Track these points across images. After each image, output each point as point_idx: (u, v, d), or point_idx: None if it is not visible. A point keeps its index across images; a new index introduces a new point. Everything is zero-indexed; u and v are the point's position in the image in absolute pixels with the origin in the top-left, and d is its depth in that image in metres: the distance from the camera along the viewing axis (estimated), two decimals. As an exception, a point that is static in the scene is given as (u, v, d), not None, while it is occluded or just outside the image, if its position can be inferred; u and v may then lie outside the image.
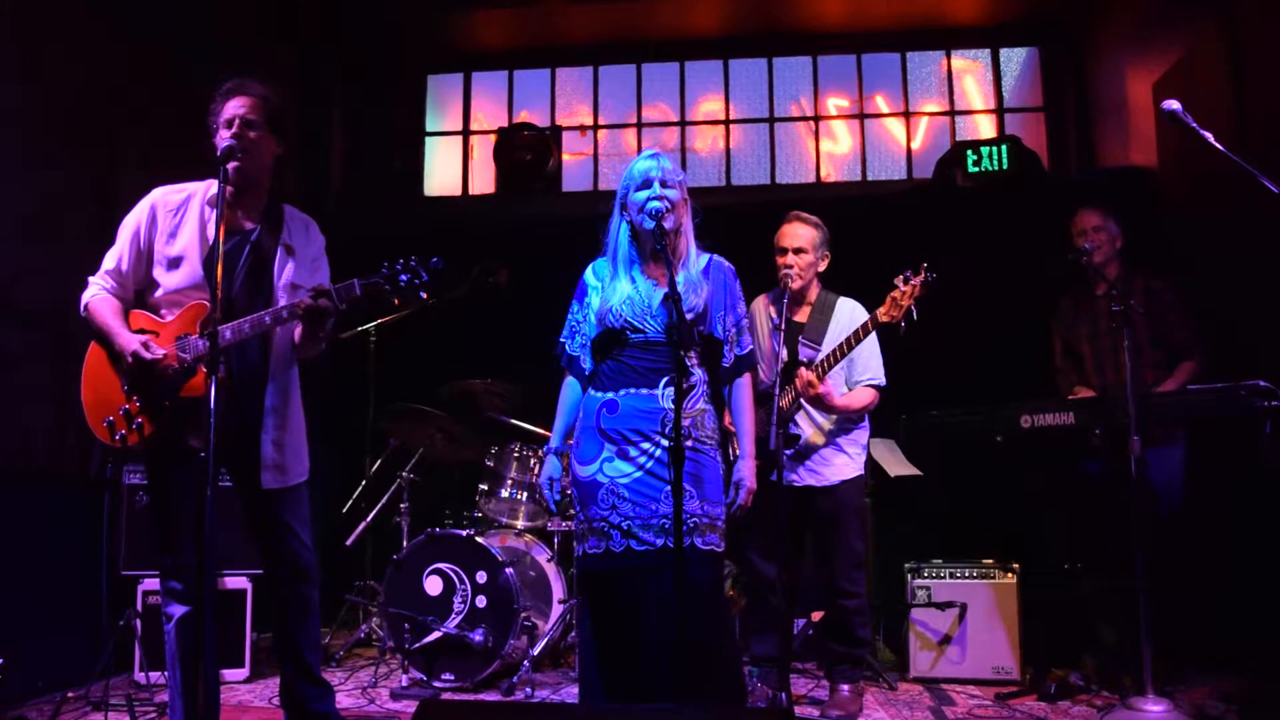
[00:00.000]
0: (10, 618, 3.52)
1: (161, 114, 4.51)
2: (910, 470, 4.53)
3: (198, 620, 2.75)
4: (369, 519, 4.73)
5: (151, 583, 3.89)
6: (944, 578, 4.22)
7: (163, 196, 2.93)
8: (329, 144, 6.29)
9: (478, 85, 6.90)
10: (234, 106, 2.85)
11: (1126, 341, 3.36)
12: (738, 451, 2.91)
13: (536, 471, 4.47)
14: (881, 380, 3.66)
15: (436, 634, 3.95)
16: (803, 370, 3.51)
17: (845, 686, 3.62)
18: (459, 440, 4.63)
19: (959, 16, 6.37)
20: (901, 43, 6.52)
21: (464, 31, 6.64)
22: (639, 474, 2.76)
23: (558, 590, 4.28)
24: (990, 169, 5.55)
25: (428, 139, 6.86)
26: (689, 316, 2.79)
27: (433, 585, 4.05)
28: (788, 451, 3.59)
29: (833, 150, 6.57)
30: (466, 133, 6.87)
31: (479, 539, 4.06)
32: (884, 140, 6.56)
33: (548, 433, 4.52)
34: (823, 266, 3.73)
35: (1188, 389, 3.64)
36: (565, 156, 6.63)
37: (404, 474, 4.64)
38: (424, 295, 2.75)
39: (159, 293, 2.87)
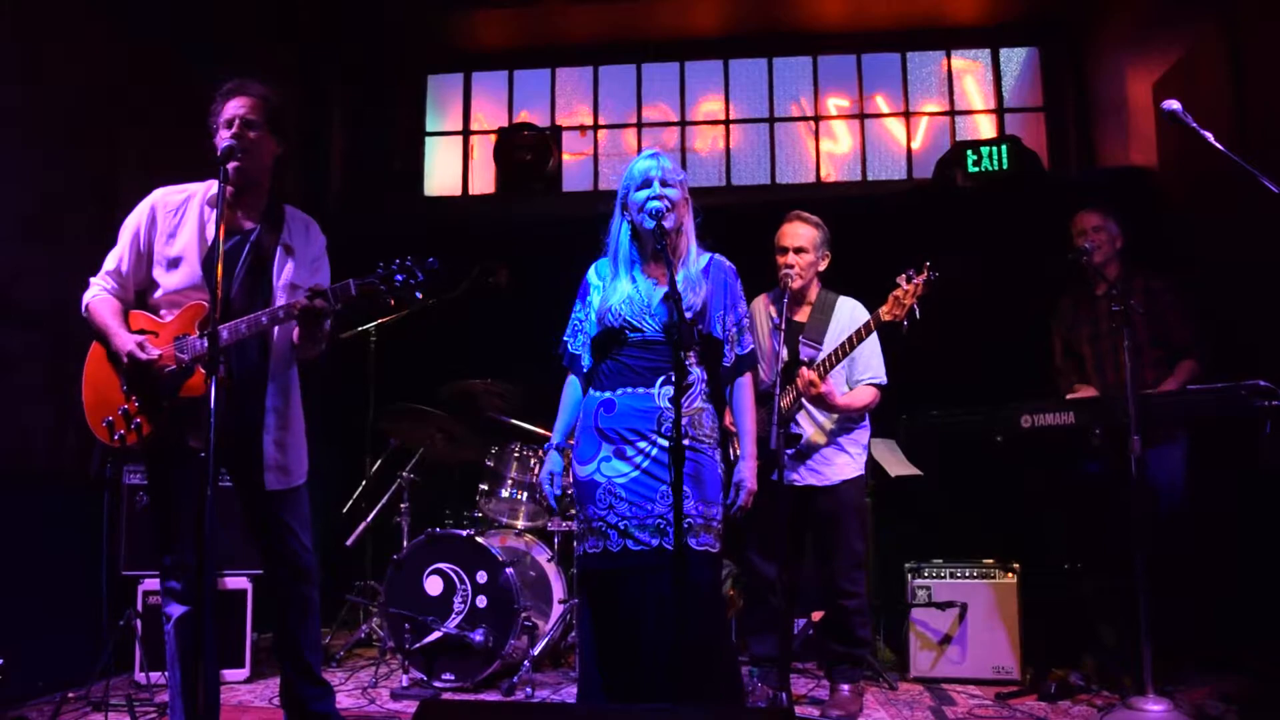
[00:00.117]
0: (10, 618, 3.52)
1: (161, 114, 4.51)
2: (910, 470, 4.53)
3: (198, 620, 2.75)
4: (369, 519, 4.73)
5: (152, 583, 3.89)
6: (944, 577, 4.22)
7: (162, 197, 2.93)
8: (329, 144, 6.29)
9: (478, 85, 6.90)
10: (234, 107, 2.85)
11: (1126, 341, 3.36)
12: (738, 452, 2.91)
13: (537, 471, 4.47)
14: (883, 379, 3.66)
15: (437, 634, 3.95)
16: (804, 370, 3.51)
17: (845, 686, 3.62)
18: (459, 440, 4.63)
19: (959, 16, 6.37)
20: (901, 43, 6.52)
21: (464, 31, 6.64)
22: (635, 474, 2.77)
23: (558, 590, 4.28)
24: (990, 169, 5.55)
25: (428, 139, 6.86)
26: (688, 315, 2.79)
27: (433, 585, 4.05)
28: (789, 451, 3.59)
29: (833, 150, 6.57)
30: (466, 133, 6.87)
31: (479, 539, 4.06)
32: (884, 140, 6.56)
33: (548, 433, 4.52)
34: (823, 266, 3.73)
35: (1188, 389, 3.64)
36: (565, 156, 6.63)
37: (404, 474, 4.64)
38: (419, 295, 2.74)
39: (158, 293, 2.87)
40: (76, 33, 4.17)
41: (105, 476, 3.64)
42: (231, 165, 2.75)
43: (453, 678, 3.95)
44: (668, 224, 2.82)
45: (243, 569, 4.08)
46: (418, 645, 3.96)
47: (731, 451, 2.99)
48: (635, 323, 2.83)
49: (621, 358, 2.86)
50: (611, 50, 6.67)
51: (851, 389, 3.66)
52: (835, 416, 3.67)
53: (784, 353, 3.62)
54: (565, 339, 3.01)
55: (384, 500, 4.73)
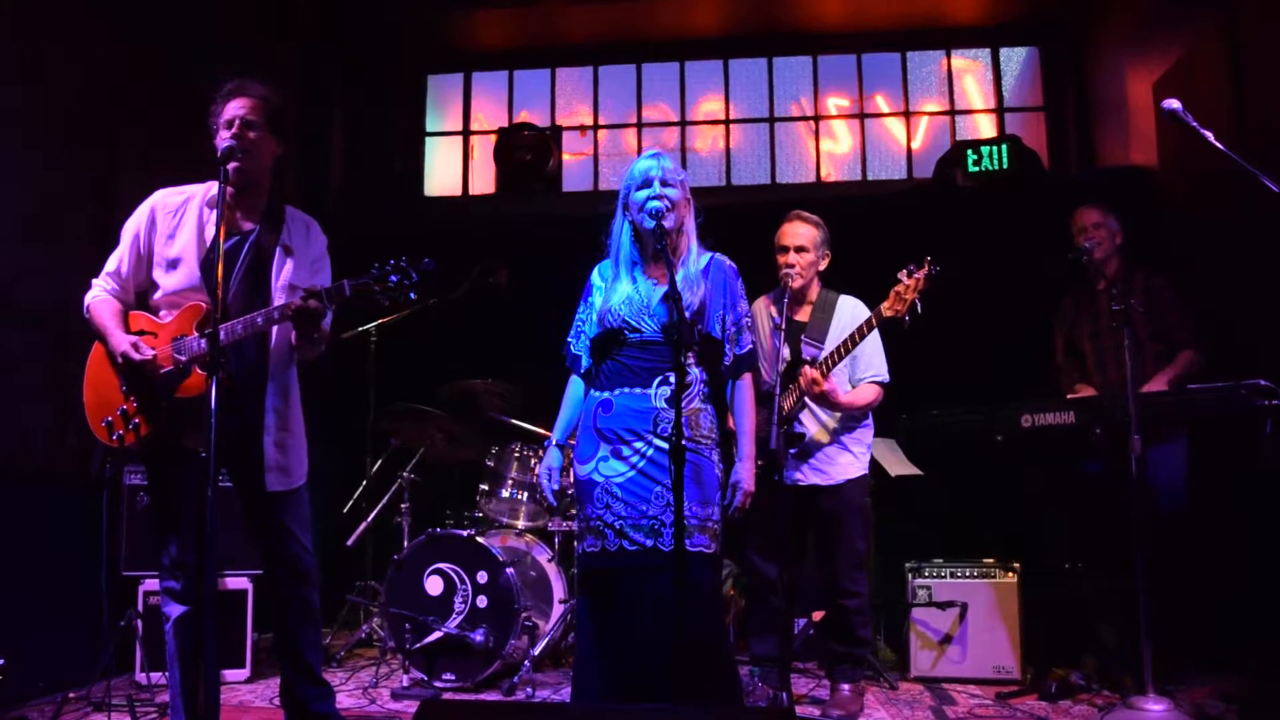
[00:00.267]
0: (11, 618, 3.52)
1: (161, 114, 4.50)
2: (911, 470, 4.53)
3: (198, 620, 2.75)
4: (370, 519, 4.73)
5: (152, 583, 3.89)
6: (945, 577, 4.22)
7: (162, 199, 2.94)
8: (329, 144, 6.28)
9: (478, 85, 6.90)
10: (234, 107, 2.85)
11: (1127, 340, 3.36)
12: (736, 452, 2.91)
13: (537, 471, 4.46)
14: (885, 377, 3.66)
15: (437, 634, 3.95)
16: (806, 368, 3.51)
17: (846, 686, 3.62)
18: (459, 440, 4.63)
19: (959, 16, 6.37)
20: (901, 42, 6.52)
21: (464, 31, 6.64)
22: (632, 473, 2.77)
23: (558, 590, 4.28)
24: (990, 168, 5.55)
25: (428, 139, 6.86)
26: (687, 315, 2.79)
27: (433, 585, 4.05)
28: (791, 451, 3.59)
29: (833, 150, 6.57)
30: (466, 133, 6.87)
31: (480, 539, 4.06)
32: (884, 140, 6.56)
33: (548, 433, 4.53)
34: (823, 265, 3.73)
35: (1188, 388, 3.63)
36: (565, 156, 6.63)
37: (404, 474, 4.64)
38: (414, 296, 2.73)
39: (158, 294, 2.88)
40: (76, 33, 4.17)
41: (105, 477, 3.64)
42: (231, 166, 2.75)
43: (453, 678, 3.95)
44: (668, 224, 2.82)
45: (243, 569, 4.08)
46: (418, 645, 3.96)
47: (734, 452, 2.99)
48: (634, 323, 2.84)
49: (620, 358, 2.86)
50: (611, 50, 6.67)
51: (854, 387, 3.66)
52: (838, 415, 3.66)
53: (786, 352, 3.62)
54: (569, 339, 3.03)
55: (384, 500, 4.73)
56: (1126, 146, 5.62)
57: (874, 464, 4.29)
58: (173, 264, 2.85)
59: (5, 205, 3.79)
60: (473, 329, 5.43)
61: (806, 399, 3.57)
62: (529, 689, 3.86)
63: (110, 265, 2.92)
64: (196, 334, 2.77)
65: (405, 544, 4.35)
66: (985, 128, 6.46)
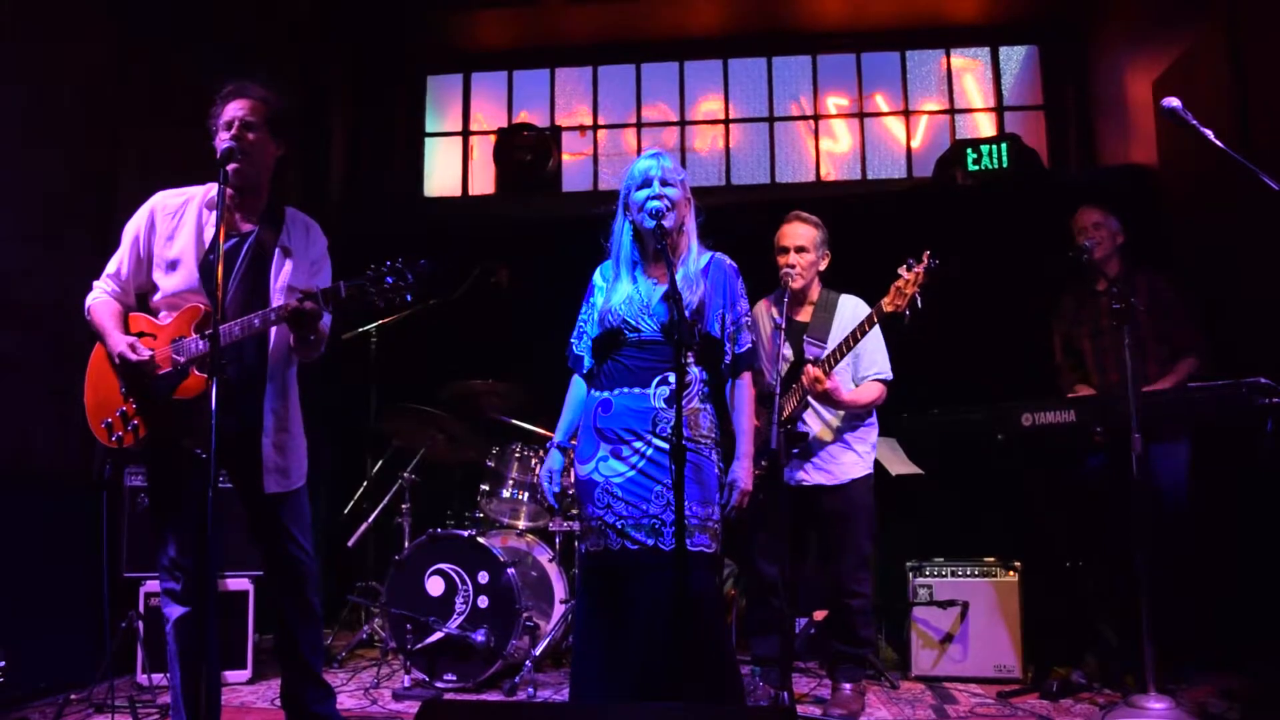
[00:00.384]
0: (12, 619, 3.52)
1: (161, 114, 4.50)
2: (911, 469, 4.53)
3: (199, 621, 2.75)
4: (370, 519, 4.73)
5: (153, 584, 3.88)
6: (946, 576, 4.22)
7: (161, 201, 2.94)
8: (329, 144, 6.28)
9: (478, 85, 6.90)
10: (234, 109, 2.85)
11: (1127, 339, 3.36)
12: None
13: (538, 472, 4.47)
14: (888, 375, 3.66)
15: (438, 634, 3.95)
16: (809, 366, 3.51)
17: (847, 685, 3.61)
18: (460, 441, 4.63)
19: (959, 15, 6.37)
20: (901, 41, 6.52)
21: (464, 31, 6.64)
22: (631, 473, 2.77)
23: (559, 590, 4.28)
24: (990, 167, 5.55)
25: (428, 139, 6.86)
26: (686, 314, 2.79)
27: (434, 586, 4.05)
28: (794, 450, 3.59)
29: (833, 149, 6.57)
30: (466, 133, 6.87)
31: (480, 539, 4.06)
32: (884, 139, 6.56)
33: (549, 433, 4.54)
34: (823, 265, 3.73)
35: (1189, 387, 3.63)
36: (565, 157, 6.63)
37: (405, 474, 4.64)
38: (409, 298, 2.73)
39: (157, 296, 2.88)
40: (76, 33, 4.16)
41: (105, 478, 3.64)
42: (231, 167, 2.75)
43: (454, 678, 3.95)
44: (667, 223, 2.82)
45: (244, 570, 4.08)
46: (419, 646, 3.96)
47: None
48: (634, 323, 2.84)
49: (620, 358, 2.87)
50: (611, 50, 6.67)
51: (857, 386, 3.66)
52: (842, 414, 3.66)
53: (789, 353, 3.63)
54: (571, 340, 3.03)
55: (385, 501, 4.73)
56: (1126, 145, 5.62)
57: (875, 463, 4.30)
58: (172, 265, 2.85)
59: (5, 205, 3.78)
60: (473, 329, 5.43)
61: (810, 398, 3.57)
62: (530, 689, 3.86)
63: (110, 267, 2.93)
64: (195, 335, 2.77)
65: (406, 544, 4.35)
66: (985, 127, 6.46)
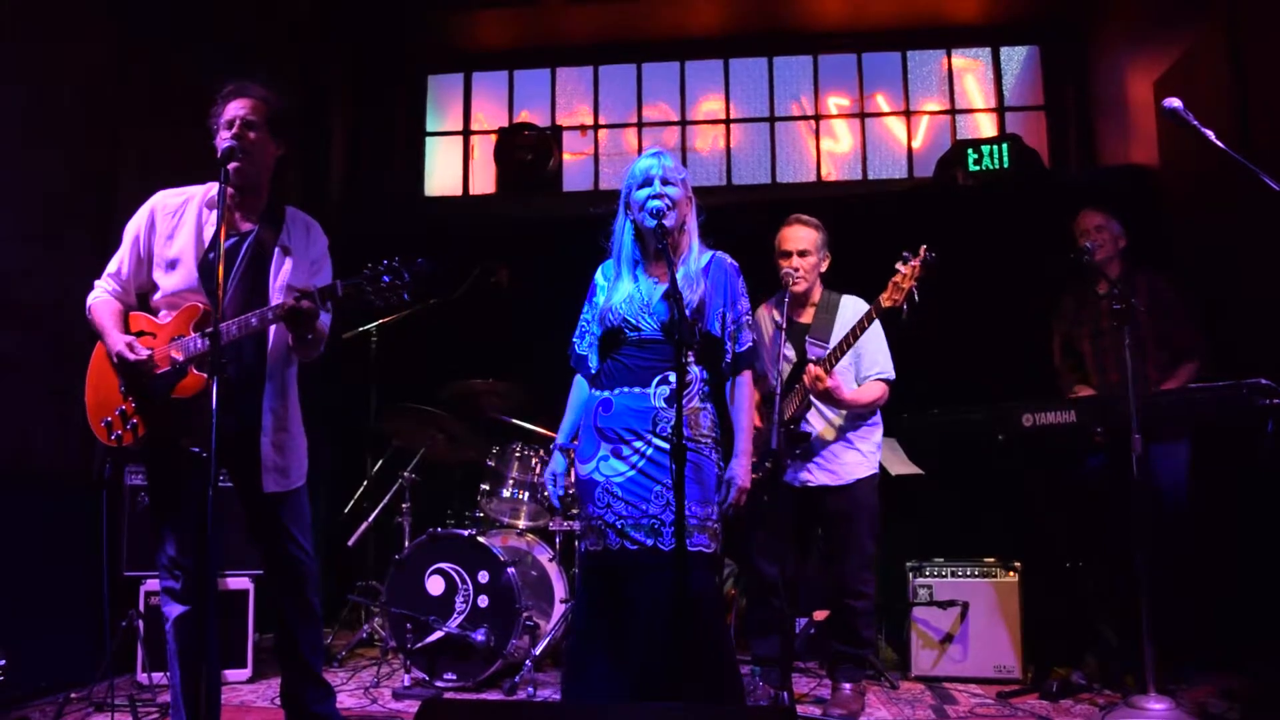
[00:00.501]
0: (12, 618, 3.52)
1: (161, 114, 4.50)
2: (912, 469, 4.53)
3: (199, 620, 2.75)
4: (371, 519, 4.73)
5: (153, 583, 3.88)
6: (945, 576, 4.22)
7: (162, 200, 2.95)
8: (329, 144, 6.28)
9: (478, 85, 6.90)
10: (234, 108, 2.85)
11: (1127, 340, 3.35)
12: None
13: (538, 471, 4.48)
14: (891, 375, 3.66)
15: (438, 634, 3.95)
16: (810, 365, 3.51)
17: (847, 685, 3.61)
18: (460, 440, 4.63)
19: (959, 15, 6.37)
20: (902, 41, 6.52)
21: (464, 31, 6.64)
22: (632, 473, 2.77)
23: (559, 590, 4.28)
24: (991, 167, 5.55)
25: (428, 139, 6.86)
26: (687, 313, 2.79)
27: (434, 585, 4.05)
28: (797, 450, 3.59)
29: (833, 149, 6.57)
30: (467, 133, 6.87)
31: (481, 539, 4.06)
32: (885, 139, 6.55)
33: (549, 433, 4.55)
34: (824, 267, 3.74)
35: (1189, 387, 3.63)
36: (566, 156, 6.63)
37: (405, 474, 4.64)
38: (407, 297, 2.72)
39: (157, 295, 2.88)
40: (76, 33, 4.16)
41: (105, 477, 3.64)
42: (232, 166, 2.75)
43: (455, 677, 3.95)
44: (668, 222, 2.82)
45: (244, 569, 4.08)
46: (419, 645, 3.96)
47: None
48: (634, 321, 2.84)
49: (620, 357, 2.87)
50: (611, 50, 6.67)
51: (860, 386, 3.66)
52: (845, 414, 3.66)
53: (791, 354, 3.63)
54: (573, 340, 3.03)
55: (385, 500, 4.73)
56: (1127, 145, 5.61)
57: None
58: (171, 265, 2.85)
59: (5, 205, 3.78)
60: (473, 329, 5.43)
61: (813, 398, 3.57)
62: (530, 688, 3.86)
63: (111, 267, 2.93)
64: (194, 334, 2.77)
65: (406, 544, 4.35)
66: (986, 127, 6.46)
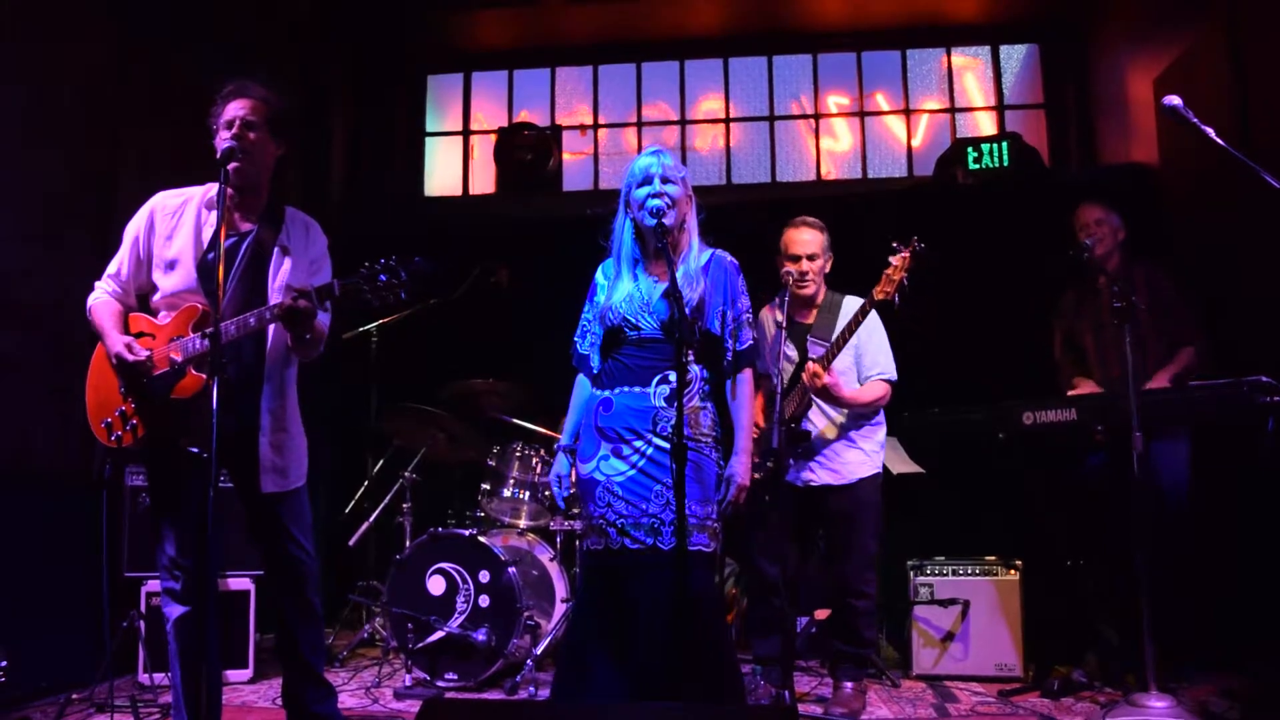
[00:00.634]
0: (13, 618, 3.52)
1: (161, 114, 4.50)
2: (913, 468, 4.53)
3: (199, 621, 2.75)
4: (371, 519, 4.73)
5: (154, 584, 3.88)
6: (946, 575, 4.22)
7: (161, 201, 2.95)
8: (329, 144, 6.28)
9: (478, 85, 6.90)
10: (234, 108, 2.85)
11: (1128, 338, 3.35)
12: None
13: (539, 471, 4.48)
14: (892, 375, 3.66)
15: (439, 634, 3.95)
16: (809, 363, 3.51)
17: (849, 684, 3.61)
18: (461, 440, 4.63)
19: (959, 14, 6.37)
20: (902, 40, 6.52)
21: (464, 31, 6.64)
22: (632, 472, 2.77)
23: (560, 589, 4.28)
24: (991, 166, 5.56)
25: (428, 139, 6.86)
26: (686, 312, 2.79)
27: (435, 585, 4.05)
28: (799, 449, 3.59)
29: (833, 148, 6.57)
30: (467, 133, 6.87)
31: (481, 538, 4.06)
32: (884, 138, 6.55)
33: (549, 432, 4.55)
34: (829, 268, 3.74)
35: (1189, 385, 3.63)
36: (565, 156, 6.63)
37: (406, 474, 4.64)
38: (404, 296, 2.72)
39: (157, 296, 2.88)
40: (76, 33, 4.16)
41: (105, 478, 3.64)
42: (232, 166, 2.75)
43: (456, 677, 3.95)
44: (668, 221, 2.82)
45: (245, 570, 4.08)
46: (420, 645, 3.96)
47: None
48: (634, 320, 2.84)
49: (620, 356, 2.87)
50: (611, 49, 6.67)
51: (862, 385, 3.66)
52: (846, 413, 3.66)
53: (793, 354, 3.63)
54: (575, 340, 3.02)
55: (386, 500, 4.73)
56: (1127, 144, 5.61)
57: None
58: (170, 265, 2.85)
59: (5, 205, 3.78)
60: (473, 328, 5.43)
61: (814, 397, 3.57)
62: (532, 688, 3.86)
63: (111, 268, 2.93)
64: (193, 335, 2.77)
65: (407, 544, 4.35)
66: (986, 125, 6.46)
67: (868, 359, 3.66)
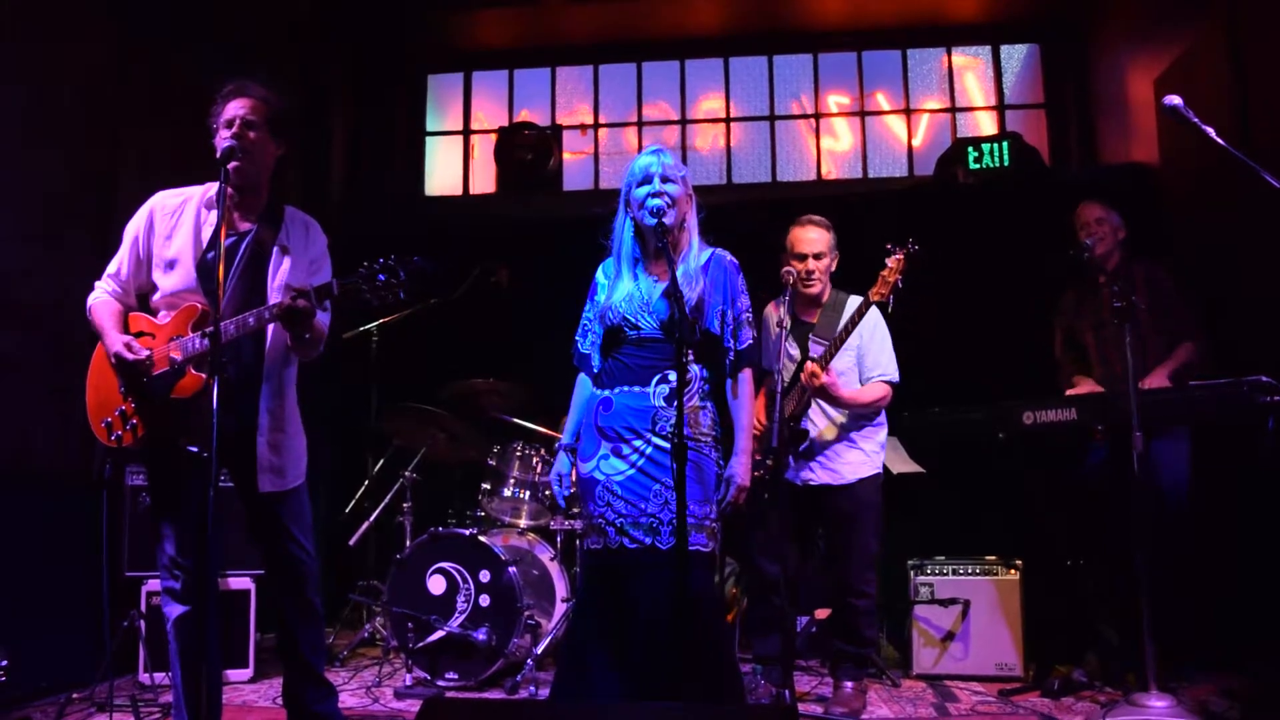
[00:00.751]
0: (13, 618, 3.52)
1: (161, 114, 4.50)
2: (913, 467, 4.53)
3: (200, 620, 2.75)
4: (372, 518, 4.73)
5: (155, 584, 3.89)
6: (947, 574, 4.22)
7: (160, 201, 2.94)
8: (329, 144, 6.28)
9: (478, 85, 6.90)
10: (234, 108, 2.85)
11: (1129, 337, 3.35)
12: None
13: (539, 470, 4.48)
14: (893, 376, 3.66)
15: (440, 633, 3.95)
16: (808, 362, 3.51)
17: (849, 683, 3.62)
18: (461, 439, 4.63)
19: (960, 13, 6.37)
20: (902, 40, 6.52)
21: (464, 31, 6.64)
22: (631, 472, 2.78)
23: (561, 589, 4.28)
24: (991, 165, 5.56)
25: (428, 139, 6.86)
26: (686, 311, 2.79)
27: (436, 584, 4.05)
28: (801, 448, 3.59)
29: (834, 148, 6.57)
30: (467, 132, 6.87)
31: (482, 538, 4.06)
32: (885, 137, 6.55)
33: (550, 432, 4.55)
34: (834, 267, 3.75)
35: (1190, 384, 3.62)
36: (566, 155, 6.63)
37: (406, 473, 4.64)
38: (403, 295, 2.72)
39: (157, 295, 2.88)
40: (76, 33, 4.16)
41: (105, 478, 3.64)
42: (232, 165, 2.75)
43: (456, 677, 3.95)
44: (668, 220, 2.82)
45: (246, 569, 4.08)
46: (421, 644, 3.96)
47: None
48: (634, 320, 2.84)
49: (620, 356, 2.87)
50: (612, 49, 6.67)
51: (863, 386, 3.66)
52: (846, 413, 3.66)
53: (795, 352, 3.63)
54: (576, 339, 3.03)
55: (386, 500, 4.73)
56: (1128, 143, 5.61)
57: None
58: (170, 265, 2.85)
59: (5, 205, 3.79)
60: (473, 328, 5.43)
61: (815, 397, 3.57)
62: (532, 687, 3.86)
63: (111, 268, 2.93)
64: (192, 334, 2.77)
65: (407, 543, 4.35)
66: (986, 125, 6.46)
67: (869, 359, 3.66)
